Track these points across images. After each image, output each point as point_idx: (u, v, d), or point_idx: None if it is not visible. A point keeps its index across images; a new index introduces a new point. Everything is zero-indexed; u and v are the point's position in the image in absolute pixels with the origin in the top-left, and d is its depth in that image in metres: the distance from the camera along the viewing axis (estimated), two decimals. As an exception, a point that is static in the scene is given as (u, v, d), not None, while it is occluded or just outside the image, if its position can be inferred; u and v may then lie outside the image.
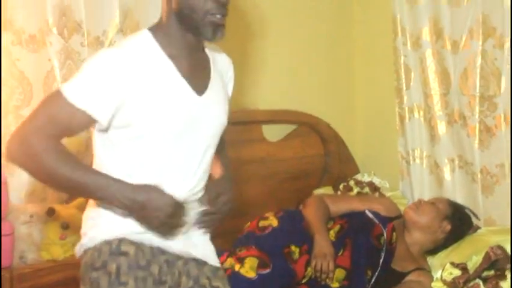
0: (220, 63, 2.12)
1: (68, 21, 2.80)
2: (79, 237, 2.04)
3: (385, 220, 2.98)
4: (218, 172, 2.18)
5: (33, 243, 2.72)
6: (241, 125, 3.34)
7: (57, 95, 1.83)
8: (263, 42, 3.53)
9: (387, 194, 3.55)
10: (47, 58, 2.78)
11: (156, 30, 1.96)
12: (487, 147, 3.23)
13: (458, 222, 3.03)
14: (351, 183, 3.60)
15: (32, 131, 1.79)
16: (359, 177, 3.68)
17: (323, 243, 2.80)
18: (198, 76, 1.98)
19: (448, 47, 3.31)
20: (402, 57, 3.51)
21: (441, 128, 3.41)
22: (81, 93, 1.80)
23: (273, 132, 3.50)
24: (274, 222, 2.88)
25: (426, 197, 3.41)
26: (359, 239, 2.85)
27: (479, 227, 3.13)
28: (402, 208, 3.20)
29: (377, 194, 3.54)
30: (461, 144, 3.34)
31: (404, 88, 3.53)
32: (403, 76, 3.52)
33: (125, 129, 1.88)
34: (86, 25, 2.84)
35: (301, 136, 3.61)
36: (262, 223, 2.89)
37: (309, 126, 3.62)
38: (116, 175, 1.87)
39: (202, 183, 2.04)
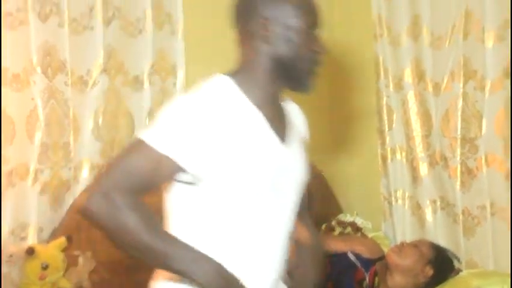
0: (292, 113, 1.96)
1: (52, 60, 2.80)
2: (58, 277, 1.99)
3: (367, 263, 2.97)
4: (301, 238, 1.93)
5: (13, 283, 2.69)
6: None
7: (137, 143, 1.64)
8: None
9: (370, 235, 3.55)
10: (30, 97, 2.76)
11: (237, 75, 1.79)
12: (469, 189, 3.25)
13: (441, 267, 3.01)
14: (334, 223, 3.59)
15: (112, 185, 1.59)
16: (341, 217, 3.67)
17: None
18: (280, 127, 1.81)
19: (430, 89, 3.35)
20: (385, 99, 3.54)
21: (423, 169, 3.43)
22: (165, 138, 1.62)
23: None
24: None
25: (409, 238, 3.41)
26: (341, 284, 2.84)
27: (460, 270, 3.13)
28: (385, 249, 3.20)
29: (359, 235, 3.53)
30: (442, 185, 3.36)
31: (387, 129, 3.55)
32: (385, 117, 3.55)
33: (209, 183, 1.66)
34: (70, 64, 2.83)
35: (284, 176, 3.60)
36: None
37: (291, 166, 3.61)
38: (195, 240, 1.65)
39: (286, 251, 1.82)
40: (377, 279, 2.95)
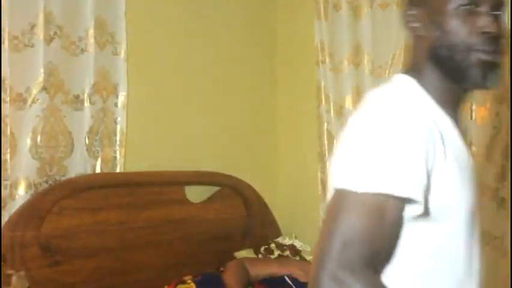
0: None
1: (-10, 77, 2.77)
2: None
3: (304, 287, 3.00)
4: None
5: None
6: (163, 186, 3.34)
7: (342, 198, 1.29)
8: (186, 104, 3.56)
9: (308, 258, 3.56)
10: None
11: (413, 75, 1.47)
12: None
13: None
14: (273, 246, 3.60)
15: (337, 263, 1.25)
16: (280, 240, 3.69)
17: None
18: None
19: (370, 116, 3.40)
20: (326, 124, 3.59)
21: (362, 194, 3.47)
22: (374, 175, 1.26)
23: (195, 194, 3.50)
24: (192, 286, 2.86)
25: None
26: None
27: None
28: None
29: (298, 258, 3.55)
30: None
31: (327, 154, 3.60)
32: (326, 142, 3.59)
33: (435, 212, 1.34)
34: (9, 81, 2.80)
35: (223, 198, 3.61)
36: (180, 287, 2.86)
37: (232, 188, 3.63)
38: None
39: None
40: None
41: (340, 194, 1.29)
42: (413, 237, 1.34)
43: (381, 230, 1.26)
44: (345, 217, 1.28)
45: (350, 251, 1.24)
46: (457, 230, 1.37)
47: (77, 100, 3.06)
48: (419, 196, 1.27)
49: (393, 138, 1.28)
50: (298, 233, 3.72)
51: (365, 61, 3.41)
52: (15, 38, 2.83)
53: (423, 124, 1.31)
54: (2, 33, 2.75)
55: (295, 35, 3.89)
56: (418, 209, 1.29)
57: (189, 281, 2.89)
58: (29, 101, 2.87)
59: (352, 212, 1.26)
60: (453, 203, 1.34)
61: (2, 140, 2.83)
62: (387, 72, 3.33)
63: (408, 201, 1.28)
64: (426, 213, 1.31)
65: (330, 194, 1.35)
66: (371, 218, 1.25)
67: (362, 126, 1.32)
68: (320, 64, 3.59)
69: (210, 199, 3.58)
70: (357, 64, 3.45)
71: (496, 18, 1.41)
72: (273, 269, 3.09)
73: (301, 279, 3.04)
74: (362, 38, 3.42)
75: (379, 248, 1.27)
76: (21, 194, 2.92)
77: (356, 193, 1.25)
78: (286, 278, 3.02)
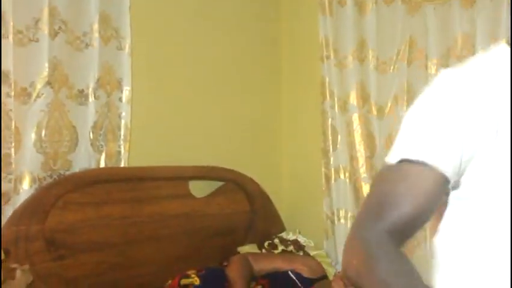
0: None
1: (-6, 71, 2.77)
2: None
3: (308, 283, 3.00)
4: None
5: None
6: (167, 181, 3.34)
7: (389, 166, 1.31)
8: (190, 99, 3.56)
9: (312, 253, 3.57)
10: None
11: None
12: (409, 210, 3.30)
13: None
14: (276, 241, 3.61)
15: (362, 224, 1.28)
16: (284, 235, 3.69)
17: None
18: None
19: (374, 112, 3.41)
20: (330, 120, 3.59)
21: (366, 189, 3.49)
22: (423, 143, 1.28)
23: (199, 188, 3.50)
24: (196, 280, 2.87)
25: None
26: None
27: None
28: (326, 267, 3.23)
29: (301, 253, 3.56)
30: (384, 206, 3.40)
31: (331, 150, 3.60)
32: (330, 138, 3.60)
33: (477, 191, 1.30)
34: (13, 76, 2.81)
35: (227, 193, 3.61)
36: (183, 281, 2.88)
37: (235, 183, 3.63)
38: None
39: None
40: None
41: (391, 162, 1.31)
42: (458, 217, 1.32)
43: (406, 196, 1.26)
44: (376, 184, 1.36)
45: (377, 215, 1.26)
46: (500, 212, 1.29)
47: (82, 95, 3.06)
48: (445, 166, 1.25)
49: (435, 113, 1.29)
50: (302, 228, 3.73)
51: (370, 57, 3.41)
52: (20, 32, 2.83)
53: (477, 106, 1.27)
54: (1, 27, 2.75)
55: (300, 31, 3.88)
56: (454, 185, 1.28)
57: (193, 275, 2.90)
58: (34, 96, 2.88)
59: (381, 178, 1.33)
60: (499, 184, 1.27)
61: (7, 134, 2.84)
62: (391, 68, 3.32)
63: (444, 178, 1.26)
64: (465, 190, 1.29)
65: None
66: (393, 182, 1.28)
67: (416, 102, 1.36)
68: (325, 59, 3.58)
69: (214, 194, 3.58)
70: (361, 60, 3.45)
71: None
72: (277, 264, 3.10)
73: (305, 274, 3.05)
74: (366, 34, 3.42)
75: (406, 214, 1.26)
76: (26, 188, 2.93)
77: (387, 163, 1.31)
78: (290, 273, 3.03)
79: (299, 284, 2.99)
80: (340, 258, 3.56)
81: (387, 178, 1.30)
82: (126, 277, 3.14)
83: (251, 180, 3.69)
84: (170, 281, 2.93)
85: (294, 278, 3.02)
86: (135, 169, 3.27)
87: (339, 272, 3.39)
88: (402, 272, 1.25)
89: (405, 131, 1.33)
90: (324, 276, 3.14)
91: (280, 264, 3.09)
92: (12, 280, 2.82)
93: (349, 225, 3.58)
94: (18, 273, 2.83)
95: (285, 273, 3.04)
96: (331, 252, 3.66)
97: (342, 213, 3.61)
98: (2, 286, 2.78)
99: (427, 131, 1.28)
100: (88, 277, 3.05)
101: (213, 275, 2.93)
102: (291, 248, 3.58)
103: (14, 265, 2.83)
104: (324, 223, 3.69)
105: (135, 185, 3.22)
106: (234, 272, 2.93)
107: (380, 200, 1.28)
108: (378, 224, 1.25)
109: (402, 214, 1.26)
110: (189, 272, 2.93)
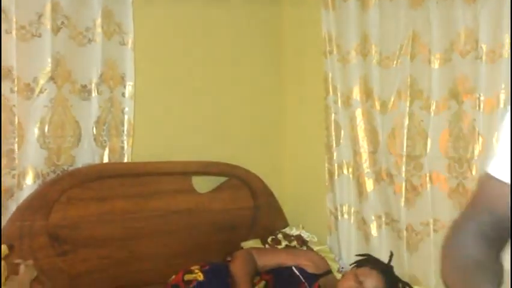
0: None
1: (-3, 67, 2.78)
2: None
3: (312, 278, 2.99)
4: None
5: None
6: (171, 176, 3.35)
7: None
8: (193, 94, 3.56)
9: (315, 248, 3.57)
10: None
11: None
12: (413, 205, 3.31)
13: None
14: (280, 236, 3.61)
15: (461, 225, 1.40)
16: (287, 230, 3.69)
17: None
18: None
19: (377, 107, 3.40)
20: (333, 115, 3.58)
21: (369, 185, 3.48)
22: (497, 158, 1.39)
23: (202, 184, 3.50)
24: (199, 276, 2.87)
25: (354, 252, 3.46)
26: None
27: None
28: (330, 263, 3.24)
29: (305, 248, 3.56)
30: (387, 201, 3.41)
31: (334, 145, 3.60)
32: (333, 133, 3.59)
33: None
34: (16, 71, 2.81)
35: (231, 188, 3.61)
36: (187, 277, 2.87)
37: (239, 179, 3.63)
38: None
39: None
40: None
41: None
42: None
43: (492, 207, 1.36)
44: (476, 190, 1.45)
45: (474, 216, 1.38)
46: None
47: (85, 90, 3.07)
48: None
49: None
50: (306, 224, 3.73)
51: (373, 52, 3.40)
52: (23, 28, 2.84)
53: None
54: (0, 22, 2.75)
55: (303, 26, 3.87)
56: None
57: (196, 271, 2.90)
58: (37, 91, 2.88)
59: (479, 186, 1.43)
60: None
61: (10, 129, 2.85)
62: (394, 62, 3.31)
63: None
64: None
65: None
66: (483, 192, 1.41)
67: None
68: (328, 55, 3.58)
69: (217, 189, 3.58)
70: (364, 55, 3.43)
71: None
72: (281, 259, 3.08)
73: (309, 270, 3.04)
74: (369, 29, 3.41)
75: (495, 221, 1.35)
76: (29, 183, 2.94)
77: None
78: (294, 269, 3.02)
79: (303, 280, 2.98)
80: (343, 253, 3.57)
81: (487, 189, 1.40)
82: (130, 272, 3.15)
83: (254, 175, 3.69)
84: (173, 276, 2.93)
85: (298, 273, 3.01)
86: (138, 164, 3.28)
87: (342, 268, 3.40)
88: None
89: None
90: (329, 271, 3.14)
91: (284, 260, 3.08)
92: (16, 275, 2.83)
93: (352, 220, 3.58)
94: (22, 268, 2.83)
95: (289, 269, 3.03)
96: (334, 248, 3.66)
97: (345, 208, 3.60)
98: (6, 282, 2.78)
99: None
100: (92, 272, 3.06)
101: (216, 271, 2.93)
102: (294, 243, 3.58)
103: (18, 260, 2.83)
104: (327, 218, 3.69)
105: (138, 181, 3.23)
106: (237, 267, 2.92)
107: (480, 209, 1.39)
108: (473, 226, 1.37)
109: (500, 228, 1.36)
110: (193, 268, 2.93)
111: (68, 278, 2.99)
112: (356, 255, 3.16)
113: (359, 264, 2.96)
